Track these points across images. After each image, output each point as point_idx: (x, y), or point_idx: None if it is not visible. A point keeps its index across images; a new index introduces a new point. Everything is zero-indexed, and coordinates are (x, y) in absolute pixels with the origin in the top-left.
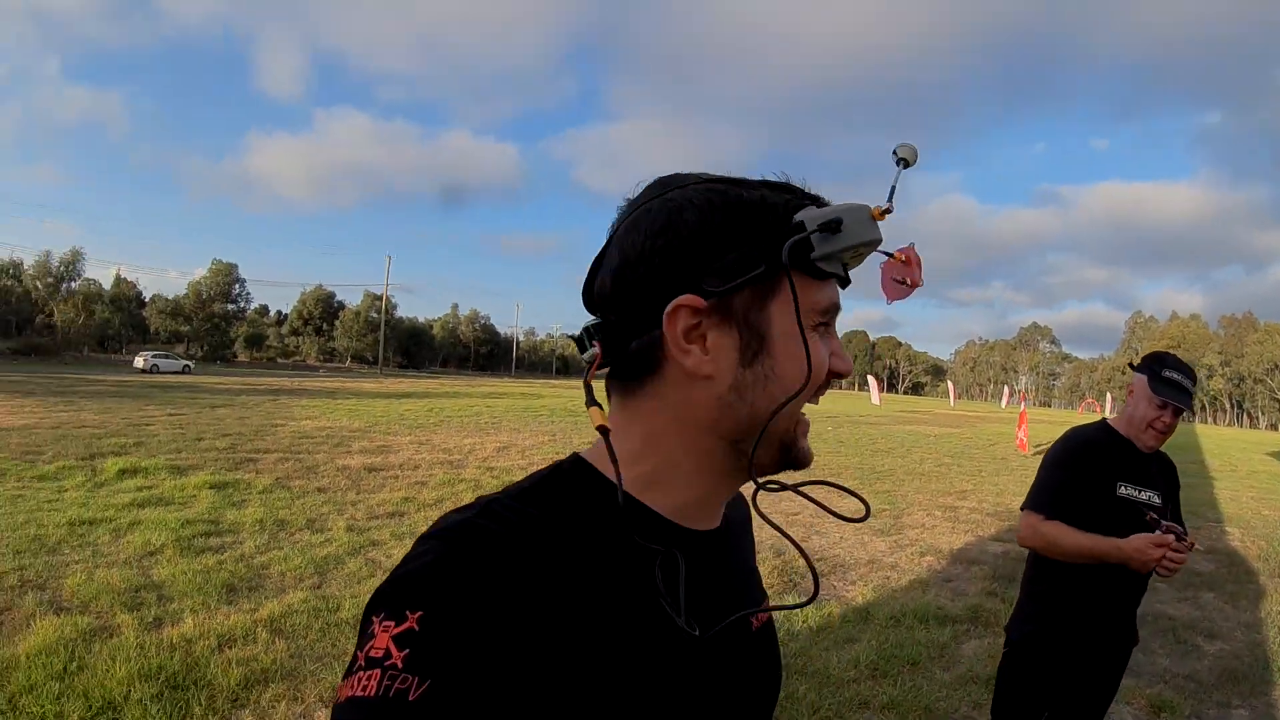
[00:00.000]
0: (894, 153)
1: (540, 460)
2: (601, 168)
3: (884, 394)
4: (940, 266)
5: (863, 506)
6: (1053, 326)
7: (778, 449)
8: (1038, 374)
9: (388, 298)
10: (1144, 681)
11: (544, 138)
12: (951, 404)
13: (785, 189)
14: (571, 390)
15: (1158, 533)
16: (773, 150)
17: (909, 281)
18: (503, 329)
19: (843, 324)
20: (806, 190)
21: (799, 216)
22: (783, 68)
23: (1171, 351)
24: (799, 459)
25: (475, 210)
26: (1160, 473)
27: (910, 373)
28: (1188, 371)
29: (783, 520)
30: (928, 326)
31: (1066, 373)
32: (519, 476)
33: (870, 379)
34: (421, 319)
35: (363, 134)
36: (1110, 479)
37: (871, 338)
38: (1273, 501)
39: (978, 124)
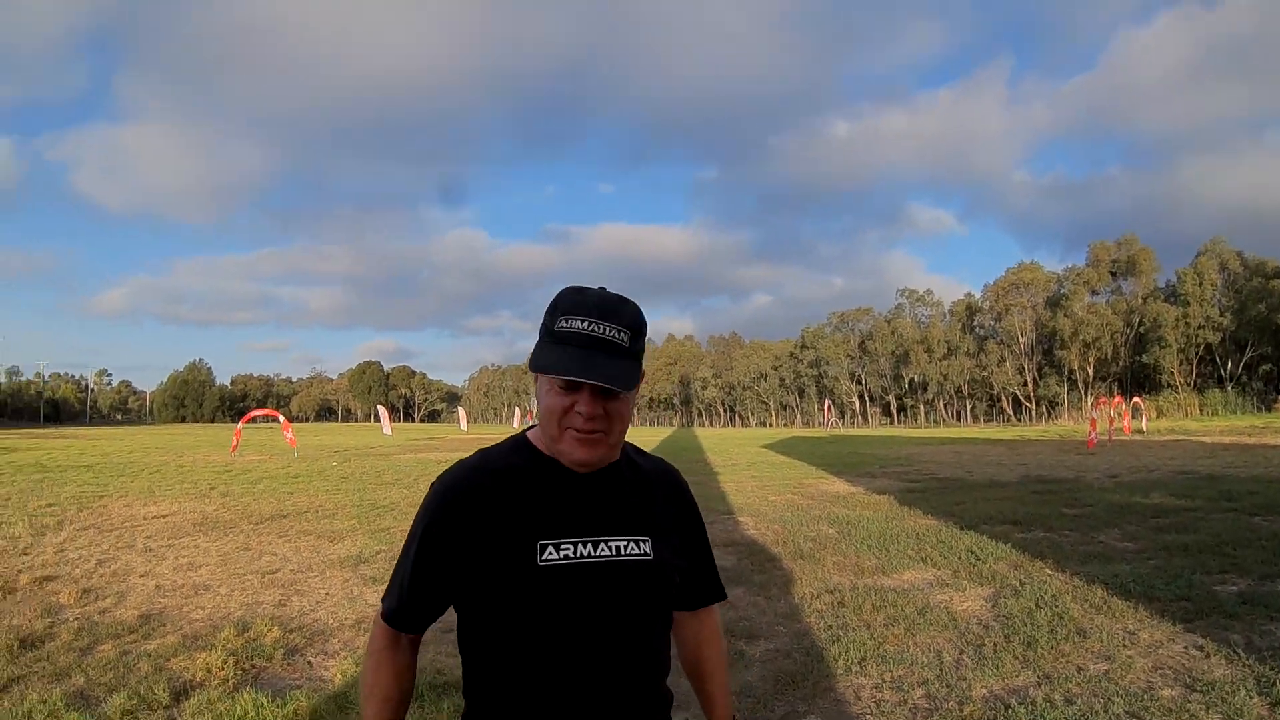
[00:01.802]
0: None
1: None
2: (106, 175)
3: (398, 423)
4: (453, 296)
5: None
6: None
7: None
8: None
9: None
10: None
11: (40, 134)
12: (463, 429)
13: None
14: (53, 440)
15: None
16: (291, 172)
17: None
18: None
19: (354, 355)
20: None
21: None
22: (306, 88)
23: (579, 294)
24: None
25: None
26: (638, 502)
27: (425, 401)
28: (602, 308)
29: (258, 580)
30: (443, 355)
31: None
32: None
33: (380, 409)
34: None
35: None
36: (525, 538)
37: (386, 368)
38: (775, 488)
39: (495, 163)
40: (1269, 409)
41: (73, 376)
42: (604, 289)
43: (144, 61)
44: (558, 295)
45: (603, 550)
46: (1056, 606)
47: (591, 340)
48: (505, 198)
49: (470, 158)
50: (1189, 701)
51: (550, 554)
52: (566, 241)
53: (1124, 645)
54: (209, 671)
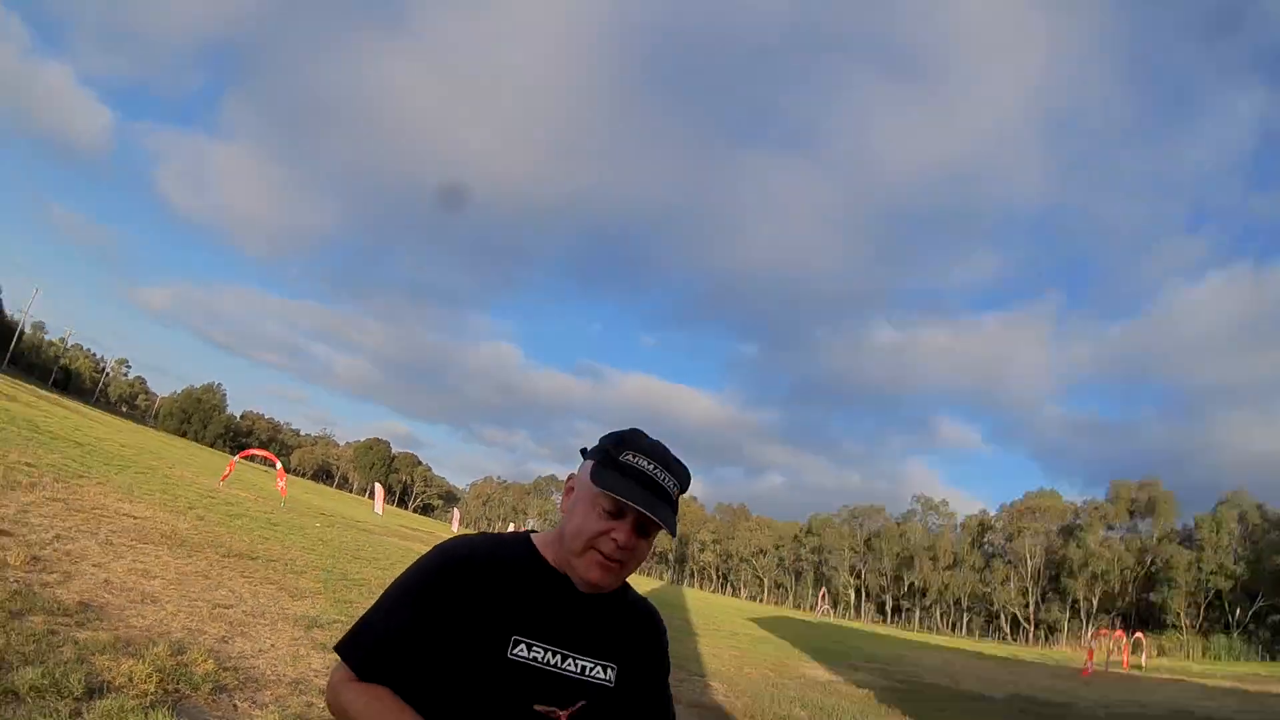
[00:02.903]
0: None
1: None
2: (186, 180)
3: (390, 506)
4: (475, 402)
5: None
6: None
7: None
8: (545, 521)
9: None
10: None
11: (142, 118)
12: (454, 530)
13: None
14: (54, 405)
15: None
16: (352, 238)
17: None
18: (11, 310)
19: (364, 428)
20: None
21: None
22: (390, 163)
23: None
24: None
25: (34, 161)
26: (616, 632)
27: (424, 493)
28: (665, 457)
29: (207, 609)
30: (452, 452)
31: None
32: None
33: (377, 486)
34: None
35: None
36: (503, 628)
37: (394, 450)
38: (754, 661)
39: (547, 288)
40: (1274, 658)
41: (93, 354)
42: (663, 444)
43: (254, 89)
44: (626, 431)
45: (569, 665)
46: None
47: (653, 483)
48: (548, 323)
49: (524, 276)
50: None
51: (520, 650)
52: (598, 380)
53: None
54: (130, 680)
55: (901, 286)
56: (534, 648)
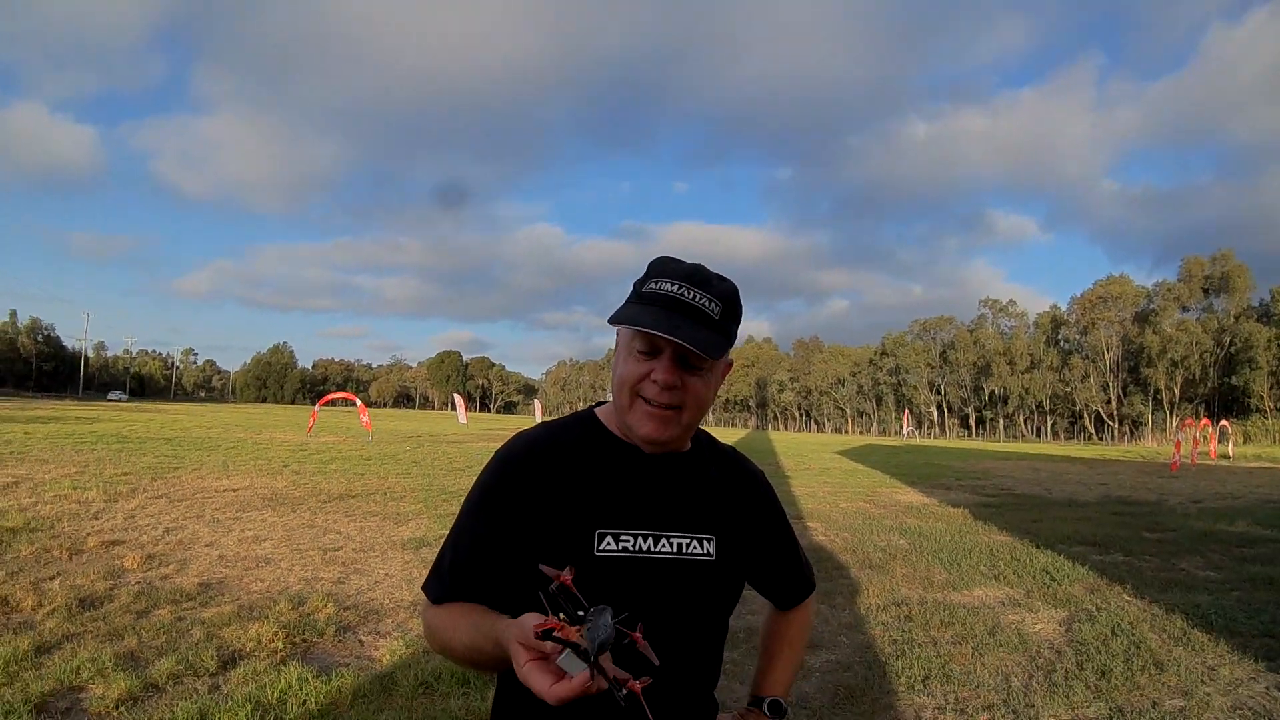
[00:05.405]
0: None
1: (51, 497)
2: (185, 164)
3: (474, 413)
4: (526, 291)
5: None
6: None
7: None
8: None
9: None
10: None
11: (123, 122)
12: (538, 419)
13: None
14: (135, 413)
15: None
16: (365, 164)
17: None
18: (70, 342)
19: (431, 344)
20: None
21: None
22: (380, 81)
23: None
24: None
25: (40, 200)
26: (706, 495)
27: (503, 392)
28: (695, 275)
29: (319, 556)
30: (518, 348)
31: None
32: (17, 520)
33: (457, 398)
34: None
35: None
36: (583, 522)
37: (465, 358)
38: (848, 494)
39: (569, 159)
40: None
41: (159, 354)
42: (702, 265)
43: (219, 55)
44: (651, 261)
45: (663, 546)
46: (1133, 635)
47: (678, 303)
48: (580, 194)
49: (544, 153)
50: None
51: (608, 544)
52: (642, 239)
53: (1202, 681)
54: (259, 643)
55: (927, 73)
56: (621, 537)
